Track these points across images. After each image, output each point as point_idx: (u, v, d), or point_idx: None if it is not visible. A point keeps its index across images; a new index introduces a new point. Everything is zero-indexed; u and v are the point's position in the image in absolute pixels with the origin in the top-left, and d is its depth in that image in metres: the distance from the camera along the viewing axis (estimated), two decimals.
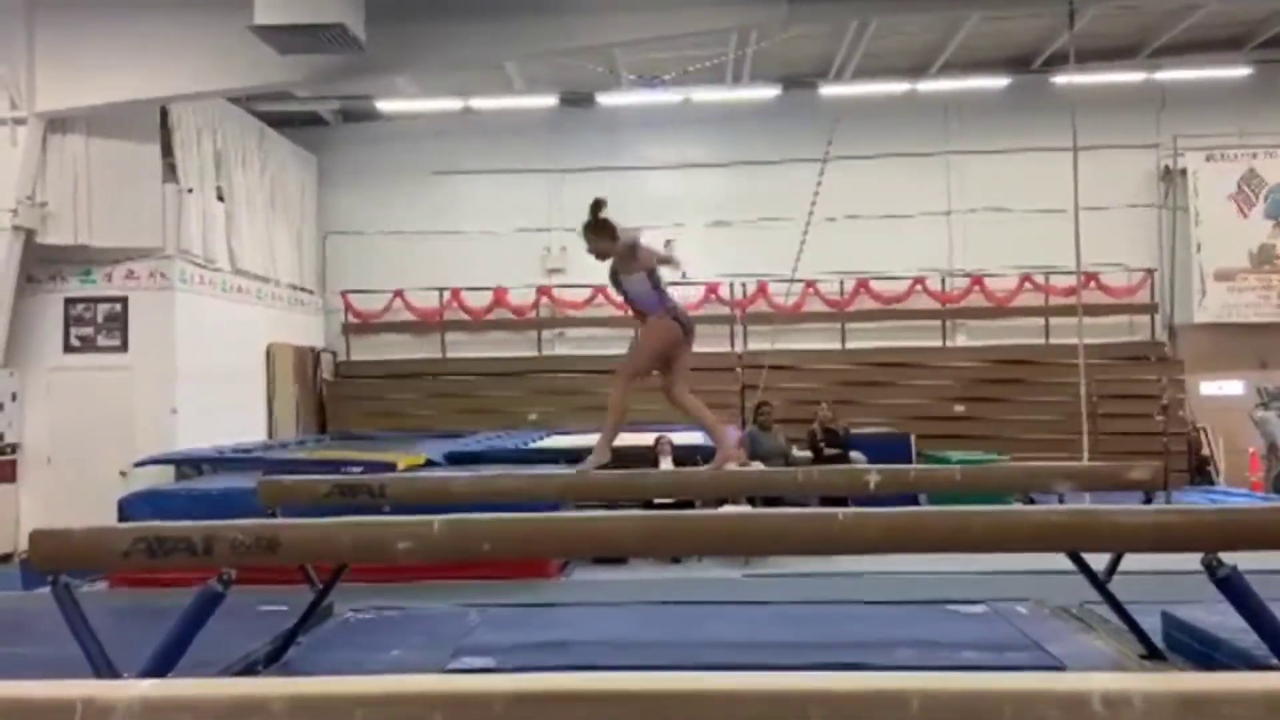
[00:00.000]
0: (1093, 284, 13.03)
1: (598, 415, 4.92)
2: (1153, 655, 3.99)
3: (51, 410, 10.13)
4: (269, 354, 12.77)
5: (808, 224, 11.70)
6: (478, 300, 14.39)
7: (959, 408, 13.29)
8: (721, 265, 14.24)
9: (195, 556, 2.93)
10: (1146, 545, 3.08)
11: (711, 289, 14.19)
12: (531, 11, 8.77)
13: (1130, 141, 13.77)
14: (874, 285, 14.01)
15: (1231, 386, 13.58)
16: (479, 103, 13.38)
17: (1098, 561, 4.10)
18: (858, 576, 6.62)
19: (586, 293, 13.76)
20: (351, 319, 14.59)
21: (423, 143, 14.38)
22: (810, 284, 13.77)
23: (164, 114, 10.46)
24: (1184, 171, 13.78)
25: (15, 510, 9.87)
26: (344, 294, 14.56)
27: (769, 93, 13.55)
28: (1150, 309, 13.91)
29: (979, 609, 4.82)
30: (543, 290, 14.36)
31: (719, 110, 13.99)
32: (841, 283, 14.03)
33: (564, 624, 4.79)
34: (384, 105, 13.54)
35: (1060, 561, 3.95)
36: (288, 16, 7.51)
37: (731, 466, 4.82)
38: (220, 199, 11.63)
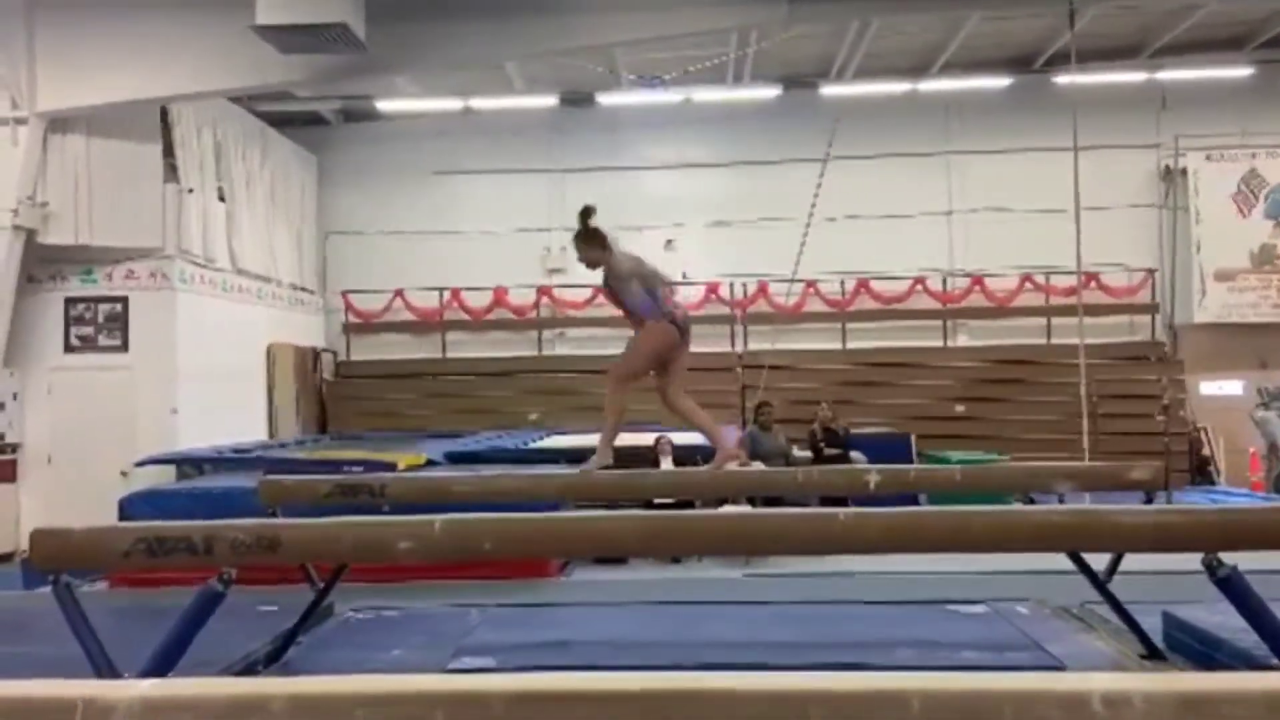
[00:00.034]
0: (1093, 284, 13.03)
1: (598, 415, 4.91)
2: (1153, 655, 3.98)
3: (52, 410, 10.13)
4: (269, 354, 12.78)
5: (808, 224, 11.71)
6: (478, 300, 14.40)
7: (959, 408, 13.28)
8: (722, 265, 14.25)
9: (196, 556, 2.93)
10: (1147, 545, 3.08)
11: (712, 289, 14.19)
12: (532, 11, 8.77)
13: (1131, 141, 13.77)
14: (874, 285, 14.00)
15: (1232, 386, 13.58)
16: (479, 103, 13.39)
17: (1098, 561, 4.10)
18: (858, 576, 6.62)
19: (587, 293, 13.76)
20: (352, 319, 14.59)
21: (423, 143, 14.38)
22: (811, 284, 13.77)
23: (165, 114, 10.47)
24: (1185, 171, 13.78)
25: (16, 510, 9.88)
26: (344, 294, 14.57)
27: (770, 93, 13.55)
28: (1151, 309, 13.91)
29: (979, 609, 4.82)
30: (543, 290, 14.37)
31: (719, 110, 13.99)
32: (842, 283, 14.03)
33: (564, 624, 4.79)
34: (385, 105, 13.55)
35: (1061, 561, 3.95)
36: (289, 16, 7.52)
37: (732, 466, 4.81)
38: (221, 199, 11.63)
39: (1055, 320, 13.57)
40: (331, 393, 14.22)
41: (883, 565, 6.39)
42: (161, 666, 2.89)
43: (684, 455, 8.76)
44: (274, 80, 9.47)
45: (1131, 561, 3.94)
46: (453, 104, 13.44)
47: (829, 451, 10.02)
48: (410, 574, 6.59)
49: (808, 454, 10.14)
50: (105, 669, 2.93)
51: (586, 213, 4.69)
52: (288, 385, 13.12)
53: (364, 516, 3.29)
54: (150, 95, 9.46)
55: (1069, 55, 9.80)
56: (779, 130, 13.84)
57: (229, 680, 3.21)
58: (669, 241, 14.43)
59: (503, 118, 14.16)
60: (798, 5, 8.78)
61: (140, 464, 9.26)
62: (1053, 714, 1.85)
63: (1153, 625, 4.10)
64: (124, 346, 10.32)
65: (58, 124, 9.49)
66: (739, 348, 13.80)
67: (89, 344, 10.33)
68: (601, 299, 4.62)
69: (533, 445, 10.42)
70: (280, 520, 3.78)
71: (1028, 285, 13.84)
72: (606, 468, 4.59)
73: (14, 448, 10.03)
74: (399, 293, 14.38)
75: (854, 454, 9.99)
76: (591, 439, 4.83)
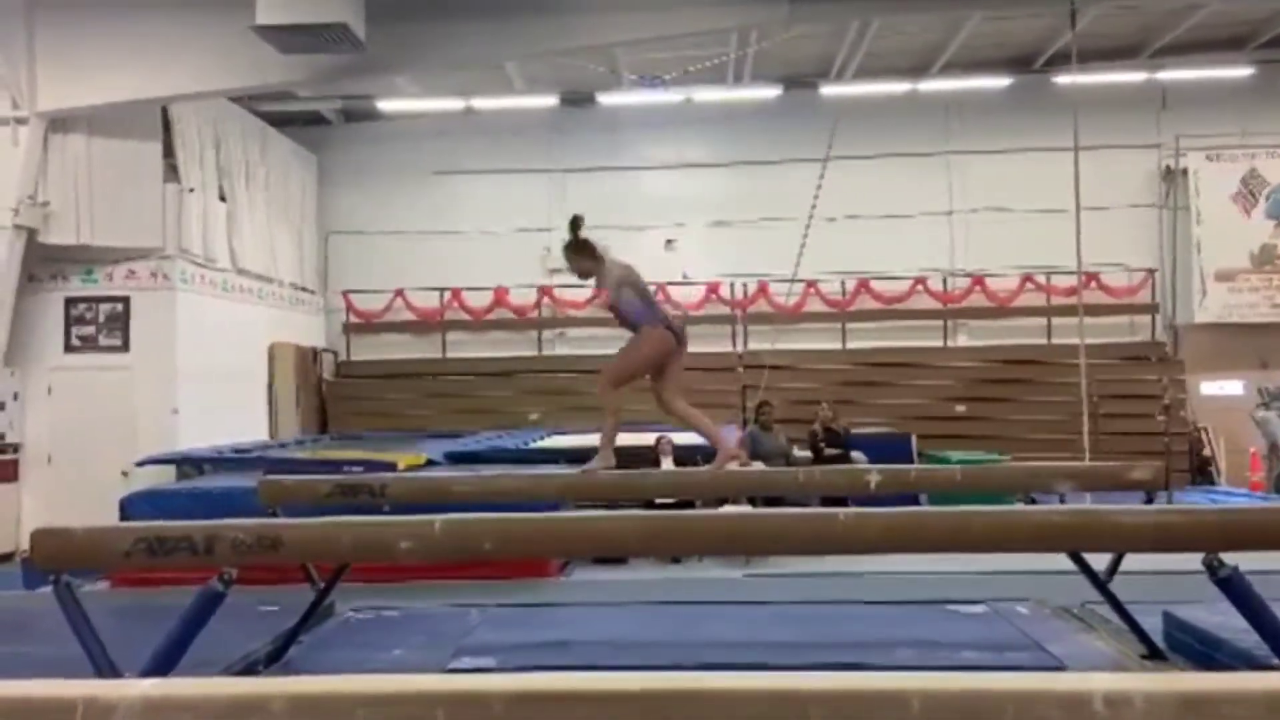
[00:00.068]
0: (1094, 284, 13.03)
1: (598, 415, 4.91)
2: (1154, 655, 3.99)
3: (53, 410, 10.13)
4: (270, 354, 12.78)
5: (808, 224, 11.71)
6: (478, 300, 14.40)
7: (960, 408, 13.28)
8: (722, 265, 14.25)
9: (196, 556, 2.94)
10: (1147, 545, 3.09)
11: (712, 289, 14.19)
12: (532, 11, 8.77)
13: (1132, 141, 13.76)
14: (875, 285, 14.00)
15: (1232, 386, 13.57)
16: (480, 103, 13.38)
17: (1099, 561, 4.10)
18: (858, 576, 6.62)
19: (587, 292, 13.73)
20: (352, 319, 14.59)
21: (424, 142, 14.38)
22: (811, 284, 13.76)
23: (165, 114, 10.47)
24: (1185, 171, 13.77)
25: (17, 510, 9.88)
26: (345, 294, 14.57)
27: (770, 93, 13.54)
28: (1151, 309, 13.91)
29: (979, 609, 4.83)
30: (543, 290, 14.37)
31: (720, 110, 13.99)
32: (842, 283, 14.03)
33: (565, 624, 4.80)
34: (385, 105, 13.55)
35: (1061, 561, 3.96)
36: (289, 16, 7.52)
37: (732, 466, 4.81)
38: (221, 198, 11.63)
39: (1056, 320, 13.57)
40: (332, 392, 14.22)
41: (883, 565, 6.39)
42: (162, 666, 2.90)
43: (685, 455, 8.76)
44: (274, 80, 9.47)
45: (1132, 561, 3.94)
46: (453, 104, 13.44)
47: (829, 451, 10.02)
48: (410, 574, 6.59)
49: (808, 454, 10.14)
50: (106, 669, 2.93)
51: (575, 223, 4.68)
52: (288, 385, 13.12)
53: (364, 516, 3.30)
54: (151, 95, 9.45)
55: (1069, 55, 9.78)
56: (779, 130, 13.84)
57: (230, 680, 3.22)
58: (669, 241, 14.44)
59: (503, 117, 14.16)
60: (798, 5, 8.78)
61: (141, 464, 9.27)
62: (1053, 714, 1.85)
63: (1153, 625, 4.10)
64: (124, 346, 10.31)
65: (58, 124, 9.49)
66: (739, 348, 13.80)
67: (89, 344, 10.32)
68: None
69: (533, 445, 10.42)
70: (281, 520, 3.78)
71: (1028, 285, 13.83)
72: (609, 468, 4.58)
73: (15, 447, 10.03)
74: (399, 293, 14.38)
75: (854, 454, 9.99)
76: (592, 439, 4.83)
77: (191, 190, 10.80)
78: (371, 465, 8.10)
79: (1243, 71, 13.19)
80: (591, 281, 4.71)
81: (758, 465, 8.77)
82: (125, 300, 10.34)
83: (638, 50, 11.65)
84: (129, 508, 7.66)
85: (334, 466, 8.07)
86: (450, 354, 14.48)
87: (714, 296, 14.17)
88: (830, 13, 9.71)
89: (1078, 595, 4.68)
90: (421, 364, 14.35)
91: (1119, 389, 12.44)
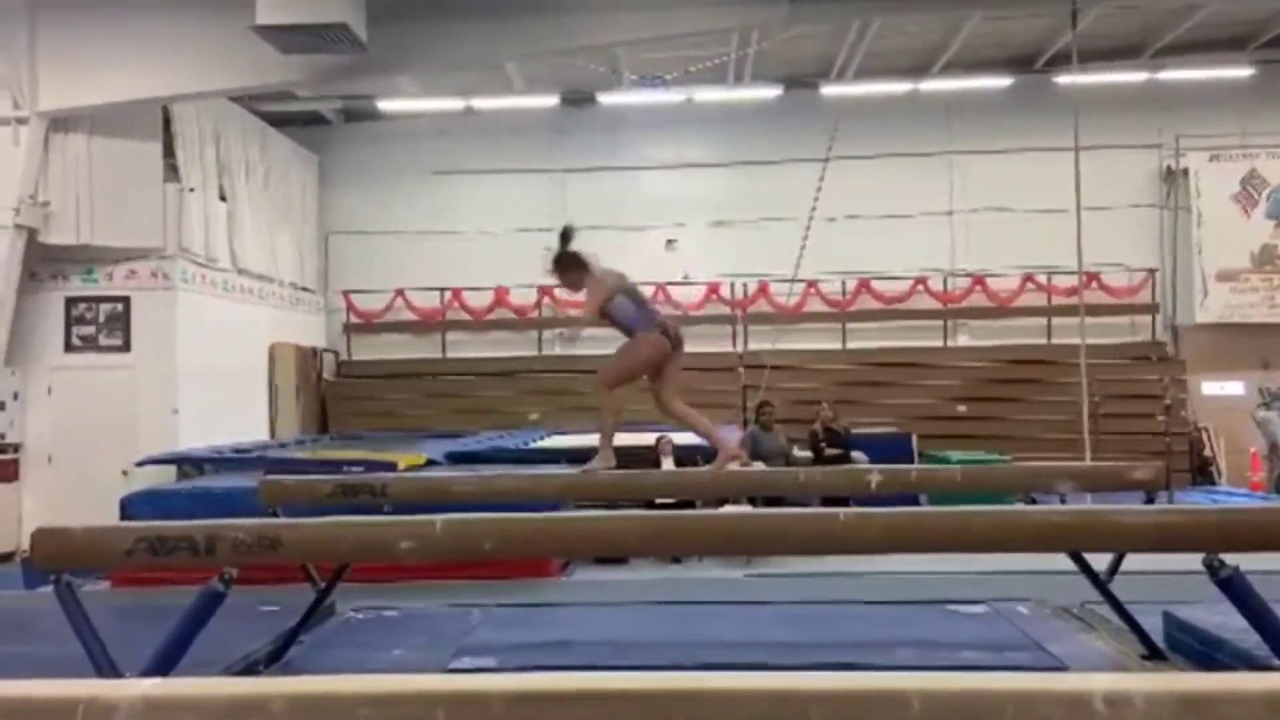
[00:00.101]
0: (1094, 284, 13.02)
1: (598, 415, 4.91)
2: (1154, 655, 3.99)
3: (53, 409, 10.13)
4: (271, 353, 12.78)
5: (809, 224, 11.71)
6: (479, 300, 14.40)
7: (961, 408, 13.27)
8: (722, 265, 14.25)
9: (197, 556, 2.94)
10: (1148, 545, 3.09)
11: (712, 289, 14.19)
12: (532, 11, 8.77)
13: (1132, 141, 13.76)
14: (875, 285, 14.00)
15: (1233, 387, 13.57)
16: (480, 102, 13.39)
17: (1099, 562, 4.10)
18: (859, 576, 6.62)
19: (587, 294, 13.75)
20: (353, 319, 14.60)
21: (424, 142, 14.38)
22: (811, 284, 13.76)
23: (166, 113, 10.47)
24: (1186, 172, 13.77)
25: (17, 509, 9.88)
26: (345, 294, 14.57)
27: (770, 93, 13.54)
28: (1152, 309, 13.90)
29: (980, 609, 4.83)
30: (544, 290, 14.35)
31: (720, 110, 13.99)
32: (843, 283, 14.02)
33: (565, 624, 4.80)
34: (385, 105, 13.55)
35: (1062, 562, 3.96)
36: (290, 16, 7.52)
37: (733, 467, 4.82)
38: (222, 198, 11.63)
39: (1056, 320, 13.56)
40: (332, 392, 14.22)
41: (884, 565, 6.40)
42: (163, 666, 2.90)
43: (685, 455, 8.77)
44: (275, 80, 9.47)
45: (1132, 561, 3.94)
46: (454, 104, 13.44)
47: (830, 452, 10.01)
48: (411, 574, 6.59)
49: (808, 454, 10.14)
50: (107, 668, 2.94)
51: (566, 236, 4.64)
52: (289, 385, 13.12)
53: (365, 516, 3.30)
54: (151, 95, 9.46)
55: (1070, 55, 9.78)
56: (780, 130, 13.84)
57: (230, 680, 3.22)
58: (670, 241, 14.44)
59: (503, 117, 14.16)
60: (798, 5, 8.78)
61: (141, 464, 9.27)
62: (1054, 714, 1.85)
63: (1154, 625, 4.10)
64: (125, 346, 10.32)
65: (59, 123, 9.50)
66: (740, 348, 13.80)
67: (90, 343, 10.33)
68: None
69: (533, 445, 10.43)
70: (281, 520, 3.78)
71: (1029, 285, 13.83)
72: (609, 469, 4.57)
73: (15, 447, 10.03)
74: (400, 292, 14.39)
75: (855, 454, 9.99)
76: (592, 439, 4.83)
77: (192, 190, 10.81)
78: (372, 465, 8.10)
79: (1243, 72, 13.18)
80: (582, 294, 4.68)
81: (758, 465, 8.78)
82: (126, 300, 10.34)
83: (638, 50, 11.65)
84: (129, 507, 7.66)
85: (334, 466, 8.07)
86: (450, 354, 14.48)
87: (714, 296, 14.17)
88: (830, 13, 9.71)
89: (1078, 595, 4.68)
90: (422, 364, 14.35)
91: (1120, 389, 12.43)
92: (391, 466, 8.05)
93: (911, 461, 10.94)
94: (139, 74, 9.12)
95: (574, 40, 9.24)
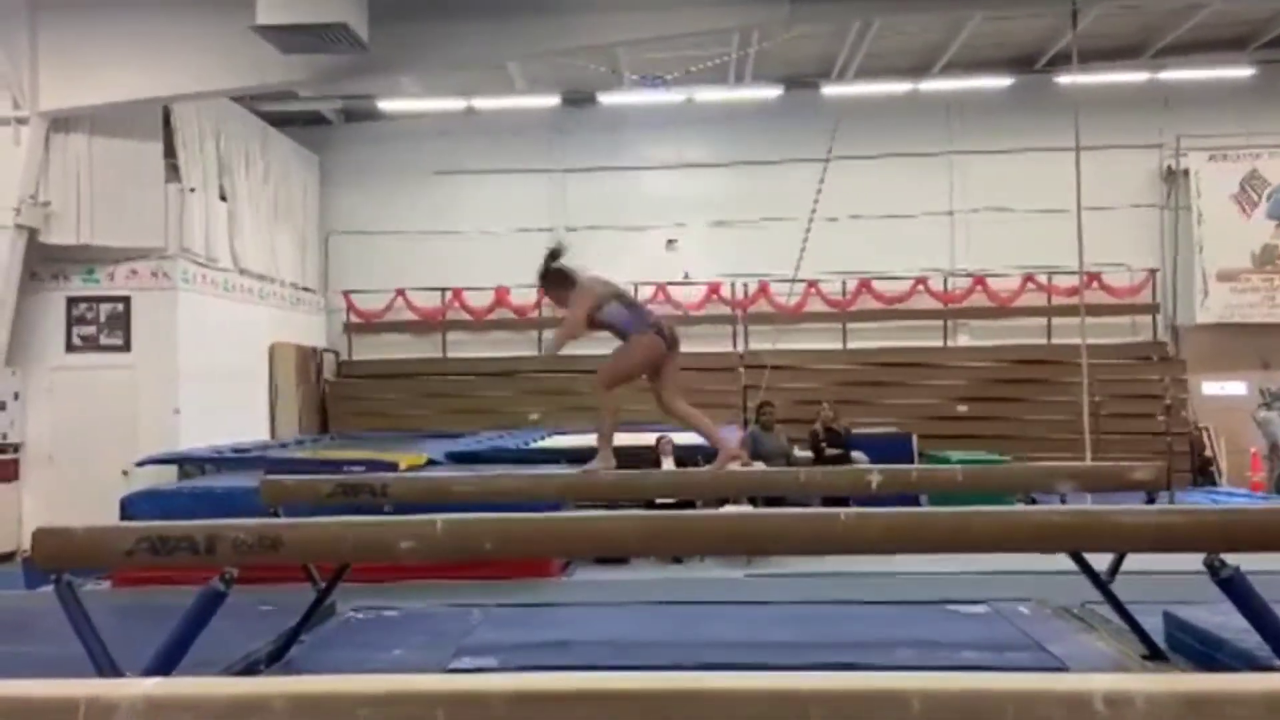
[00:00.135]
0: (1095, 284, 13.02)
1: (597, 415, 4.91)
2: (1155, 656, 3.98)
3: (54, 409, 10.14)
4: (271, 353, 12.79)
5: (809, 224, 11.71)
6: (479, 300, 14.40)
7: (962, 408, 13.27)
8: (723, 265, 14.25)
9: (198, 556, 2.94)
10: (1148, 545, 3.09)
11: (713, 289, 14.19)
12: (533, 11, 8.78)
13: (1133, 141, 13.76)
14: (876, 285, 14.00)
15: (1234, 387, 13.56)
16: (481, 102, 13.39)
17: (1100, 562, 4.10)
18: (859, 577, 6.61)
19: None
20: (353, 319, 14.60)
21: (425, 142, 14.39)
22: (812, 284, 13.76)
23: (166, 113, 10.48)
24: (1186, 172, 13.77)
25: (18, 509, 9.89)
26: (346, 294, 14.58)
27: (771, 93, 13.54)
28: (1153, 309, 13.90)
29: (980, 609, 4.82)
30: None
31: (721, 110, 13.99)
32: (843, 283, 14.02)
33: (566, 624, 4.80)
34: (386, 105, 13.55)
35: (1062, 562, 3.96)
36: (290, 16, 7.52)
37: (734, 467, 4.81)
38: (222, 198, 11.64)
39: (1057, 320, 13.56)
40: (333, 392, 14.23)
41: (884, 565, 6.41)
42: (164, 666, 2.90)
43: (685, 455, 8.77)
44: (275, 80, 9.48)
45: (1133, 562, 3.94)
46: (454, 104, 13.44)
47: (830, 452, 10.01)
48: (411, 574, 6.59)
49: (809, 454, 10.14)
50: (107, 668, 2.94)
51: (554, 255, 4.63)
52: (289, 385, 13.13)
53: (365, 516, 3.29)
54: (152, 95, 9.46)
55: (1071, 55, 9.78)
56: (780, 130, 13.84)
57: (231, 680, 3.22)
58: (670, 241, 14.44)
59: (504, 117, 14.16)
60: (799, 5, 8.78)
61: (142, 463, 9.28)
62: (1055, 714, 1.85)
63: (1154, 626, 4.10)
64: (126, 346, 10.32)
65: (60, 123, 9.50)
66: (740, 348, 13.80)
67: (91, 343, 10.33)
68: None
69: (534, 445, 10.43)
70: (282, 520, 3.78)
71: (1029, 285, 13.83)
72: (609, 469, 4.57)
73: (16, 447, 10.03)
74: (400, 292, 14.39)
75: (855, 454, 9.99)
76: (592, 439, 4.82)
77: (193, 190, 10.81)
78: (373, 465, 8.11)
79: (1244, 72, 13.18)
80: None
81: (758, 465, 8.78)
82: (126, 300, 10.35)
83: (639, 50, 11.65)
84: (130, 507, 7.66)
85: (335, 466, 8.07)
86: (451, 354, 14.49)
87: (715, 296, 14.18)
88: (831, 13, 9.71)
89: (1079, 595, 4.67)
90: (422, 364, 14.35)
91: (1120, 389, 12.43)
92: (392, 466, 8.05)
93: (912, 462, 10.93)
94: (140, 74, 9.12)
95: (575, 40, 9.24)
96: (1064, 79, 12.44)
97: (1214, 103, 13.48)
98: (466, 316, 14.46)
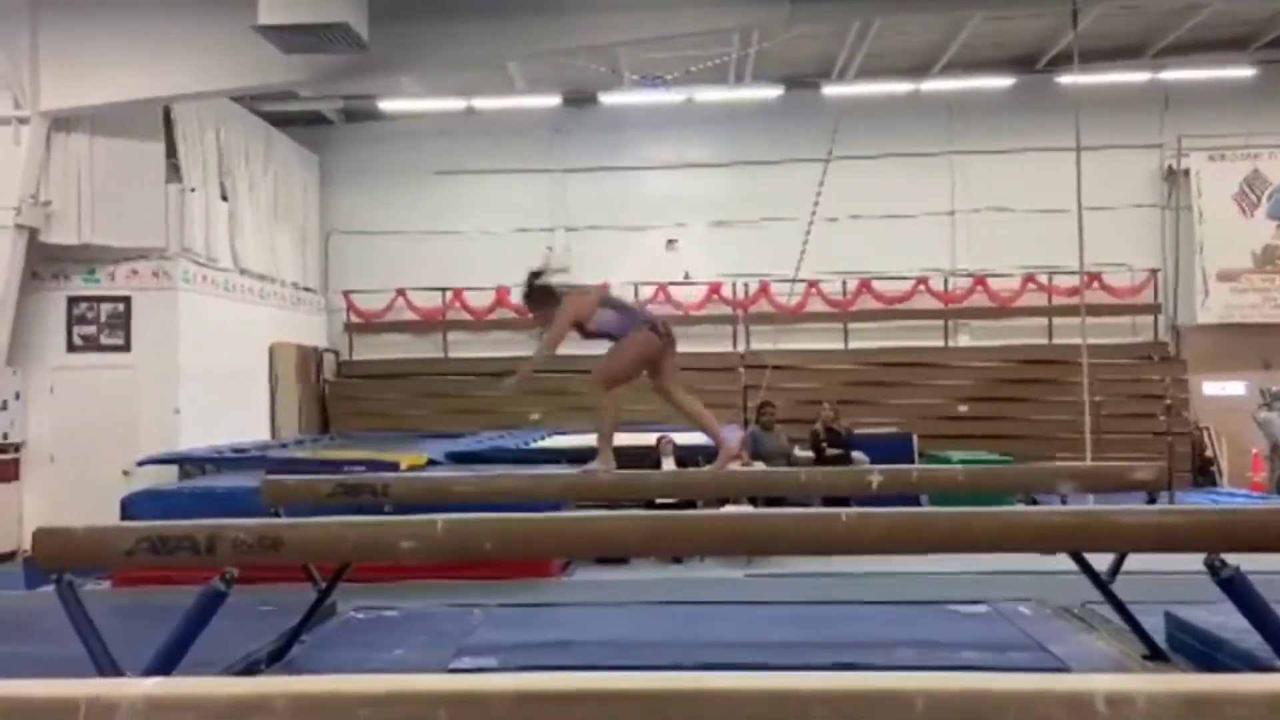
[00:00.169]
0: (1096, 284, 13.01)
1: (596, 416, 4.90)
2: (1155, 656, 3.99)
3: (54, 409, 10.14)
4: (272, 353, 12.78)
5: (810, 224, 11.71)
6: (480, 300, 14.39)
7: (962, 408, 13.27)
8: (723, 265, 14.25)
9: (198, 555, 2.94)
10: (1148, 546, 3.09)
11: (713, 289, 14.19)
12: (533, 11, 8.78)
13: (1134, 142, 13.75)
14: (876, 285, 13.99)
15: (1234, 387, 13.55)
16: (481, 102, 13.39)
17: (1101, 562, 4.10)
18: (860, 577, 6.62)
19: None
20: (354, 318, 14.60)
21: (425, 142, 14.39)
22: (812, 284, 13.76)
23: (167, 113, 10.48)
24: (1187, 172, 13.76)
25: (18, 509, 9.89)
26: (346, 293, 14.58)
27: (771, 93, 13.54)
28: (1153, 309, 13.90)
29: (981, 609, 4.82)
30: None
31: (721, 110, 13.99)
32: (844, 283, 14.02)
33: (566, 624, 4.80)
34: (387, 105, 13.55)
35: (1063, 562, 3.96)
36: (291, 16, 7.52)
37: (734, 467, 4.82)
38: (223, 198, 11.64)
39: (1058, 321, 13.56)
40: (333, 392, 14.23)
41: (885, 565, 6.40)
42: (164, 665, 2.90)
43: (686, 455, 8.76)
44: (276, 80, 9.48)
45: (1134, 562, 3.95)
46: (455, 104, 13.44)
47: (831, 452, 10.01)
48: (412, 574, 6.60)
49: (810, 454, 10.13)
50: (108, 668, 2.94)
51: (535, 276, 4.68)
52: (290, 385, 13.13)
53: (366, 516, 3.30)
54: (153, 95, 9.46)
55: (1072, 55, 9.78)
56: (781, 130, 13.84)
57: (232, 679, 3.22)
58: (671, 241, 14.44)
59: (505, 117, 14.16)
60: (799, 5, 8.78)
61: (142, 463, 9.28)
62: (1056, 714, 1.84)
63: (1155, 626, 4.10)
64: (126, 346, 10.32)
65: (61, 123, 9.50)
66: (741, 348, 13.80)
67: (91, 343, 10.33)
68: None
69: (534, 445, 10.43)
70: (283, 520, 3.79)
71: (1030, 285, 13.82)
72: (609, 469, 4.57)
73: (16, 447, 10.04)
74: (401, 292, 14.39)
75: (856, 454, 9.98)
76: (593, 439, 4.82)
77: (193, 190, 10.81)
78: (373, 465, 8.11)
79: (1245, 72, 13.17)
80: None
81: (759, 465, 8.78)
82: (127, 300, 10.35)
83: (639, 50, 11.65)
84: (131, 507, 7.67)
85: (336, 466, 8.07)
86: (451, 354, 14.48)
87: (715, 296, 14.17)
88: (831, 13, 9.71)
89: (1079, 595, 4.68)
90: (423, 364, 14.35)
91: (1121, 389, 12.43)
92: (393, 466, 8.06)
93: (912, 462, 10.92)
94: (141, 74, 9.12)
95: (575, 40, 9.24)
96: (1065, 79, 12.42)
97: (1215, 103, 13.47)
98: (467, 316, 14.46)
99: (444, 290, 14.37)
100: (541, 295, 4.60)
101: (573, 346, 4.67)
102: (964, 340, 14.17)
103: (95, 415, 10.05)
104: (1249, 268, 13.59)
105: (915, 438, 11.90)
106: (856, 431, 10.98)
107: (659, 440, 8.87)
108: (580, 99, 13.64)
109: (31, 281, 9.94)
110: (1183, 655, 3.96)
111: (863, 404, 13.05)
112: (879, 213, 13.96)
